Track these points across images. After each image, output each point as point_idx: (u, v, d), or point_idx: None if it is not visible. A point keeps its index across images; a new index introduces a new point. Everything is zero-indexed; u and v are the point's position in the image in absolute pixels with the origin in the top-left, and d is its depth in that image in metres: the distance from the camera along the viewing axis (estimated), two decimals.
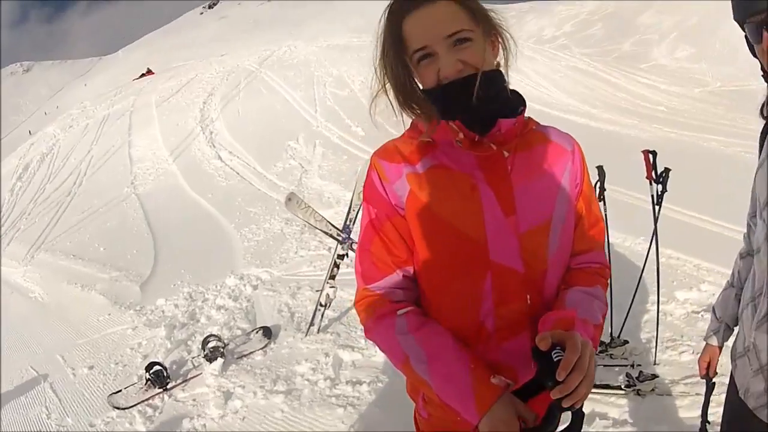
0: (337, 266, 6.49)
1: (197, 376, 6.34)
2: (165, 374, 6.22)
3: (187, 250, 10.71)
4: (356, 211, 6.39)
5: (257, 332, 6.89)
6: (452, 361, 1.67)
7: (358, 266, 1.92)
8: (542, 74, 17.57)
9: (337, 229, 6.38)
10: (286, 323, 7.11)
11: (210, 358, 6.35)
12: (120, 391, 6.36)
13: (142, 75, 33.27)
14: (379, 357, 6.04)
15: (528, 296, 1.76)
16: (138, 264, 10.48)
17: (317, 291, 7.08)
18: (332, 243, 9.02)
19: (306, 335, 6.64)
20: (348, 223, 6.39)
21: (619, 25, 21.65)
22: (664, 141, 10.84)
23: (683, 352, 5.19)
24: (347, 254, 6.49)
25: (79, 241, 12.88)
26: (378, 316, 1.82)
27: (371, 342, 2.00)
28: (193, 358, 6.69)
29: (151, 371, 6.21)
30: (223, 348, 6.47)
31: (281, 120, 18.02)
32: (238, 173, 14.62)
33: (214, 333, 6.88)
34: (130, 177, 16.37)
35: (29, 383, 7.38)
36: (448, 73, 1.63)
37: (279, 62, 24.95)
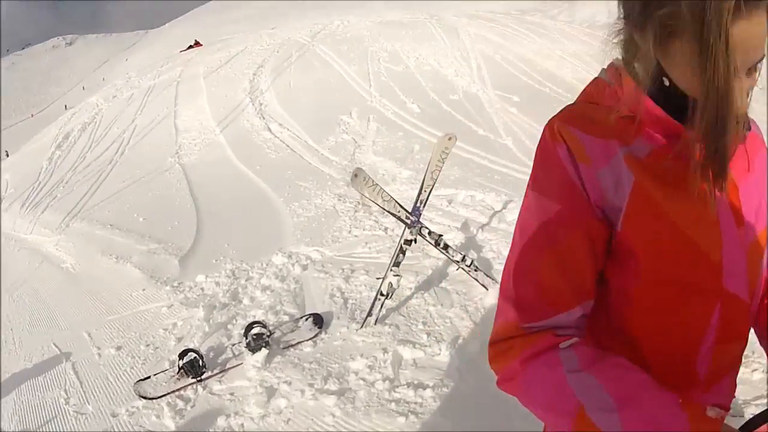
0: (403, 252, 5.66)
1: (237, 366, 5.56)
2: (201, 363, 5.47)
3: (232, 223, 9.99)
4: (428, 192, 5.62)
5: (307, 319, 6.06)
6: (655, 401, 1.13)
7: (510, 289, 1.33)
8: (600, 62, 16.51)
9: (407, 211, 5.54)
10: (338, 311, 6.28)
11: (253, 348, 5.54)
12: (149, 377, 5.67)
13: (190, 47, 32.55)
14: (443, 356, 5.22)
15: (750, 330, 1.45)
16: (179, 236, 9.78)
17: (378, 278, 6.22)
18: (389, 222, 8.31)
19: (362, 326, 5.79)
20: (418, 204, 5.58)
21: None
22: None
23: (755, 370, 4.46)
24: (415, 240, 5.65)
25: (117, 210, 12.25)
26: (530, 355, 1.26)
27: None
28: (234, 345, 5.92)
29: (185, 358, 5.44)
30: (269, 336, 5.64)
31: (334, 94, 17.17)
32: (288, 146, 13.82)
33: (258, 320, 6.05)
34: (175, 147, 15.68)
35: (50, 362, 6.82)
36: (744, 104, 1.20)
37: (331, 36, 24.06)
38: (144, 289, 8.04)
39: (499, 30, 21.54)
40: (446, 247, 5.81)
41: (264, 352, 5.45)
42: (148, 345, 6.53)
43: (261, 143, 14.34)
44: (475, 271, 6.04)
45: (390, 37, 22.11)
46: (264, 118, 16.27)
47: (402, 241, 5.56)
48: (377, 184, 5.20)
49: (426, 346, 5.36)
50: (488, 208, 8.59)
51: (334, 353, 5.49)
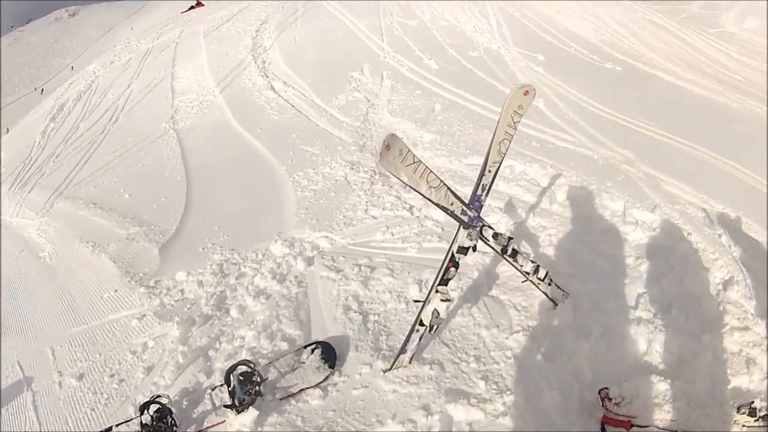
0: (456, 264, 3.76)
1: (218, 425, 3.81)
2: (170, 420, 3.72)
3: (226, 199, 8.26)
4: (493, 172, 3.71)
5: (313, 351, 4.28)
6: None
7: None
8: (621, 23, 15.49)
9: (463, 203, 3.61)
10: (356, 335, 4.51)
11: (239, 401, 3.78)
12: (110, 430, 4.07)
13: (191, 7, 30.00)
14: (510, 418, 3.56)
15: None
16: (164, 216, 8.07)
17: (417, 301, 4.42)
18: (414, 198, 6.52)
19: (392, 368, 4.01)
20: (479, 192, 3.65)
21: None
22: (753, 115, 9.40)
23: None
24: (475, 247, 3.73)
25: (104, 185, 10.53)
26: None
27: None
28: (214, 390, 4.15)
29: (151, 410, 3.74)
30: (260, 384, 3.86)
31: (343, 49, 15.17)
32: (293, 105, 11.89)
33: (245, 358, 4.26)
34: (171, 111, 13.75)
35: (12, 389, 5.63)
36: None
37: None
38: (116, 290, 6.39)
39: None
40: (515, 254, 3.96)
41: (253, 413, 3.69)
42: (112, 375, 4.99)
43: (263, 103, 12.43)
44: (549, 285, 4.26)
45: None
46: (267, 76, 14.28)
47: (454, 249, 3.68)
48: (420, 161, 3.26)
49: (485, 400, 3.64)
50: (533, 183, 6.88)
51: (354, 411, 3.75)
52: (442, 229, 5.97)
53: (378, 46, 14.82)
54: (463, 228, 3.64)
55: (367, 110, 10.64)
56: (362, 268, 5.40)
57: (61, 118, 17.85)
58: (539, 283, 4.19)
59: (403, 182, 3.22)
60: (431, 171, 3.32)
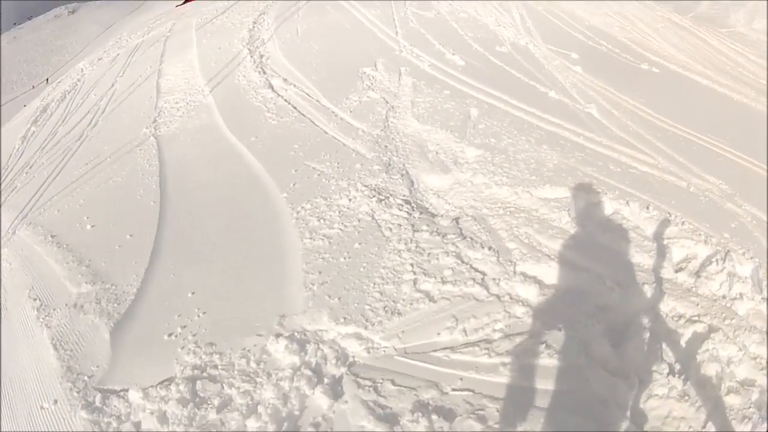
0: None
1: None
2: None
3: (206, 243, 5.85)
4: None
5: None
6: None
7: None
8: (645, 22, 13.96)
9: None
10: None
11: None
12: None
13: (186, 1, 27.44)
14: None
15: None
16: (125, 267, 5.75)
17: None
18: (482, 260, 4.21)
19: None
20: None
21: None
22: None
23: None
24: None
25: (68, 210, 8.19)
26: None
27: None
28: None
29: None
30: None
31: (352, 42, 12.83)
32: (294, 107, 9.50)
33: None
34: (154, 114, 11.34)
35: None
36: None
37: None
38: (56, 402, 4.15)
39: None
40: None
41: None
42: None
43: (259, 104, 10.06)
44: None
45: None
46: (265, 72, 11.87)
47: None
48: None
49: None
50: (638, 232, 4.60)
51: None
52: (542, 321, 3.61)
53: (392, 39, 12.59)
54: None
55: (386, 114, 8.35)
56: (432, 416, 2.99)
57: (42, 120, 15.59)
58: None
59: None
60: None
